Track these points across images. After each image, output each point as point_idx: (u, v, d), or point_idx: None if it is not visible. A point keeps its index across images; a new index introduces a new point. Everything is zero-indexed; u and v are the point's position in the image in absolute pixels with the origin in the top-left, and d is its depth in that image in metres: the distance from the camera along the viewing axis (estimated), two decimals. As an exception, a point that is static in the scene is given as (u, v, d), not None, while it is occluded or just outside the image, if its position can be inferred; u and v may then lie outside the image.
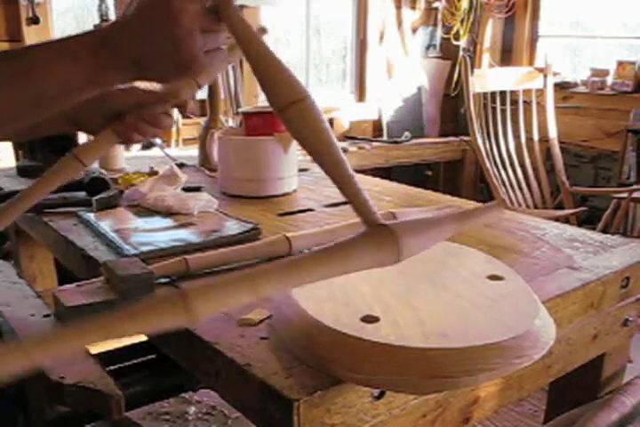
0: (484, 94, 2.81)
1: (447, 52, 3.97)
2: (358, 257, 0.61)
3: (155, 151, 2.03)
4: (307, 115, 0.64)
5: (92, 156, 0.76)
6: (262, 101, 3.44)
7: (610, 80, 3.38)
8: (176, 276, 0.92)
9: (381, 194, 1.43)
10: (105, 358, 1.00)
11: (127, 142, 0.77)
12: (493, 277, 0.79)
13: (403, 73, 3.92)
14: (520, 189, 2.90)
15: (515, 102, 2.86)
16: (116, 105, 0.76)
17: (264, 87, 0.64)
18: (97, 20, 2.66)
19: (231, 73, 2.97)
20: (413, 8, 3.89)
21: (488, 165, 2.82)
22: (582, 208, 2.80)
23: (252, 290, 0.56)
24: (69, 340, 0.50)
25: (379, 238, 0.62)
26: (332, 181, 0.65)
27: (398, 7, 3.84)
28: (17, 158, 1.71)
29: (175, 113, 2.81)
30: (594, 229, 2.19)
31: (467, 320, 0.68)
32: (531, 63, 3.71)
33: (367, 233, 0.63)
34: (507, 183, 2.86)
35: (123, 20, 0.63)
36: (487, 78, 2.84)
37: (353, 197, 0.65)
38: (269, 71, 0.64)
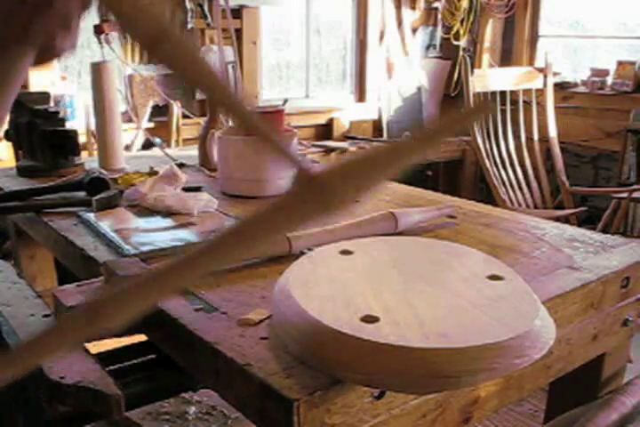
0: (484, 94, 2.81)
1: (447, 52, 3.97)
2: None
3: (155, 151, 2.03)
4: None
5: None
6: (262, 101, 3.44)
7: (610, 80, 3.38)
8: (176, 276, 0.92)
9: (381, 194, 1.43)
10: (105, 358, 1.00)
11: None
12: (493, 277, 0.79)
13: (403, 73, 3.92)
14: (520, 189, 2.90)
15: (515, 102, 2.86)
16: None
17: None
18: (97, 21, 2.66)
19: (231, 73, 2.96)
20: (413, 8, 3.89)
21: (488, 165, 2.82)
22: (582, 208, 2.80)
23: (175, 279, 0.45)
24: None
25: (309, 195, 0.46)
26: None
27: (398, 7, 3.84)
28: (17, 158, 1.71)
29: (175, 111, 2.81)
30: (594, 229, 2.19)
31: (467, 320, 0.68)
32: (531, 63, 3.71)
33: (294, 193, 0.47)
34: (507, 183, 2.86)
35: None
36: (487, 78, 2.84)
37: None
38: None
